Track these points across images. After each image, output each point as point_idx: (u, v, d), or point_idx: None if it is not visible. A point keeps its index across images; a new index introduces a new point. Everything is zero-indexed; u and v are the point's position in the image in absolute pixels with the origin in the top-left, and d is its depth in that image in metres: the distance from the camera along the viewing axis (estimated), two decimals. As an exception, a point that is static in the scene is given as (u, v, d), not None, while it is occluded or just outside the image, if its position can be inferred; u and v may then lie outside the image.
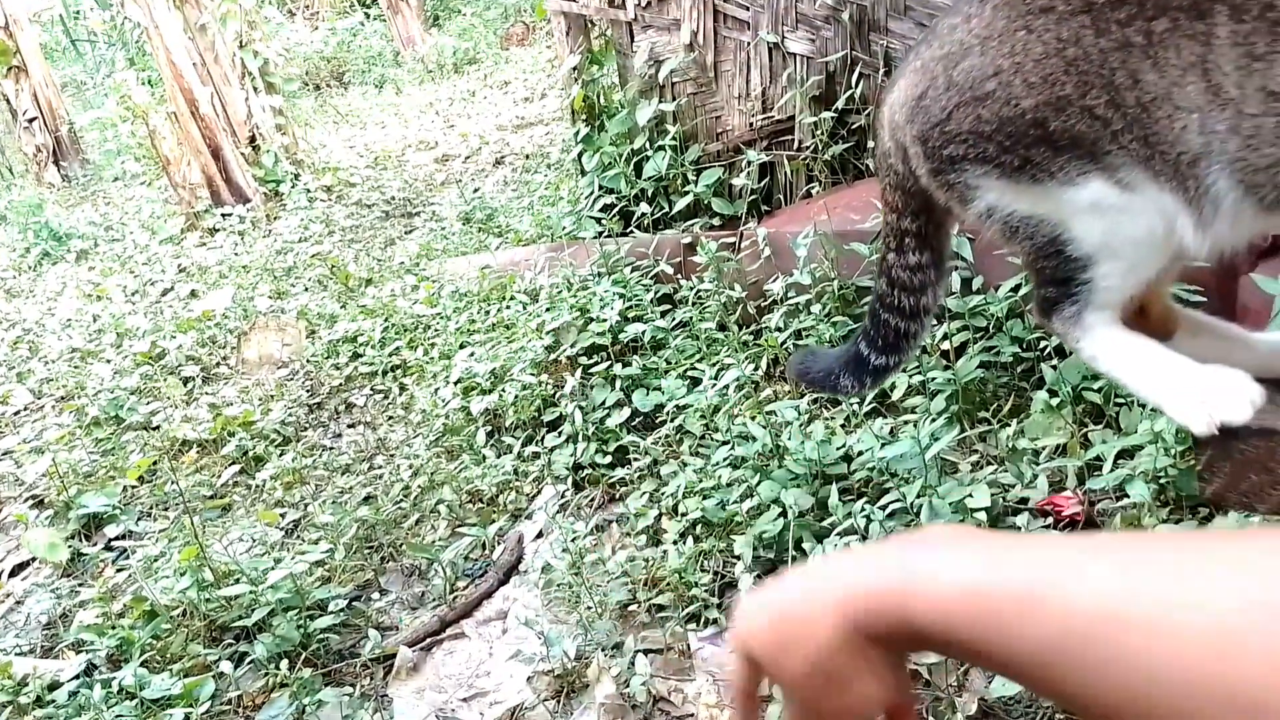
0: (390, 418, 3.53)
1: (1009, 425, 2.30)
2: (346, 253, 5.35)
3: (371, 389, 3.75)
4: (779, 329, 3.00)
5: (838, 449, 2.41)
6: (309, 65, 10.73)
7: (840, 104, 3.54)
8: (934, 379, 2.44)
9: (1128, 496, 1.88)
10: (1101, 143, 0.95)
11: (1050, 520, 2.04)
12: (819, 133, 3.59)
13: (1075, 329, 1.07)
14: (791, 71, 3.67)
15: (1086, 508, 2.05)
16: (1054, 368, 2.33)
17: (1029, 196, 1.02)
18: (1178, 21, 0.89)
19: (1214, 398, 0.99)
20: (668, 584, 2.25)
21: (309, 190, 6.50)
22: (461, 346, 3.59)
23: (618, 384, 3.02)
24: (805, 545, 2.14)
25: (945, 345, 2.51)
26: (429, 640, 2.38)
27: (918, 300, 1.23)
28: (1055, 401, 2.23)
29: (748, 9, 3.75)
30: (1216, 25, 0.87)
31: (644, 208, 3.95)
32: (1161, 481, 1.91)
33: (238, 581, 2.47)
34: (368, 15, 12.16)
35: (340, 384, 3.83)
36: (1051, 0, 0.95)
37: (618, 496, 2.70)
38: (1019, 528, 1.94)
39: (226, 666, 2.27)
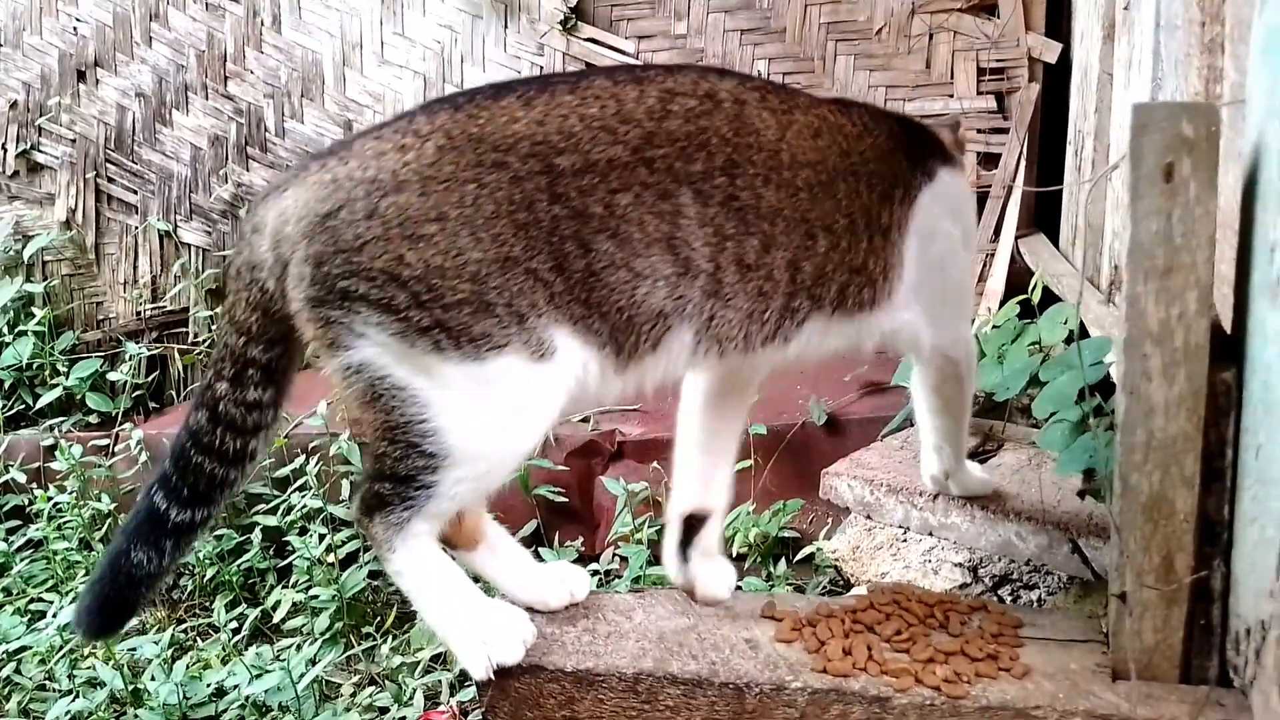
0: None
1: (392, 637, 2.25)
2: None
3: None
4: (154, 545, 2.64)
5: (209, 686, 2.14)
6: None
7: (240, 299, 3.40)
8: (317, 596, 2.32)
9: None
10: (540, 303, 0.95)
11: (426, 738, 2.01)
12: (215, 327, 3.40)
13: (395, 537, 0.99)
14: (185, 261, 3.46)
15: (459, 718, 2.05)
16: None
17: (415, 364, 0.93)
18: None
19: (492, 639, 1.02)
20: None
21: None
22: None
23: (-76, 631, 2.37)
24: (149, 818, 1.82)
25: (332, 557, 2.42)
26: None
27: (245, 444, 1.05)
28: (433, 611, 2.25)
29: (135, 192, 3.49)
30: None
31: (-4, 402, 3.32)
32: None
33: None
34: None
35: None
36: (506, 156, 0.92)
37: (-98, 790, 2.06)
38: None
39: None
